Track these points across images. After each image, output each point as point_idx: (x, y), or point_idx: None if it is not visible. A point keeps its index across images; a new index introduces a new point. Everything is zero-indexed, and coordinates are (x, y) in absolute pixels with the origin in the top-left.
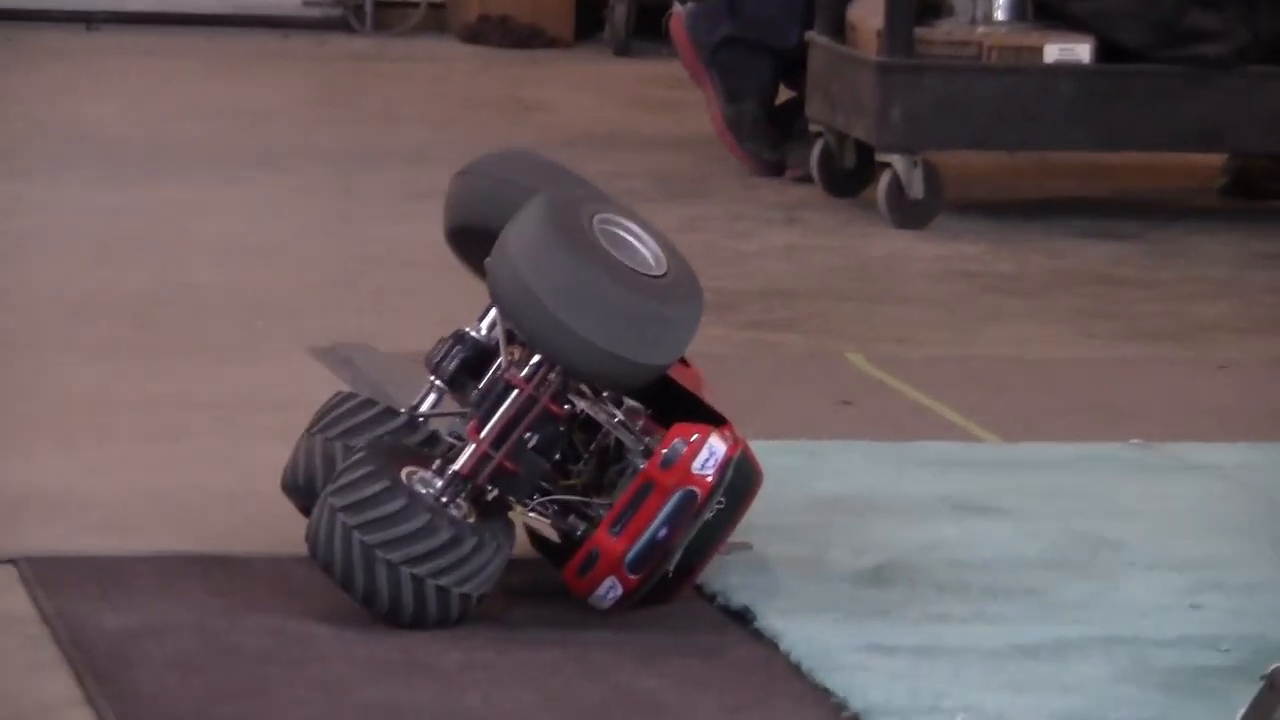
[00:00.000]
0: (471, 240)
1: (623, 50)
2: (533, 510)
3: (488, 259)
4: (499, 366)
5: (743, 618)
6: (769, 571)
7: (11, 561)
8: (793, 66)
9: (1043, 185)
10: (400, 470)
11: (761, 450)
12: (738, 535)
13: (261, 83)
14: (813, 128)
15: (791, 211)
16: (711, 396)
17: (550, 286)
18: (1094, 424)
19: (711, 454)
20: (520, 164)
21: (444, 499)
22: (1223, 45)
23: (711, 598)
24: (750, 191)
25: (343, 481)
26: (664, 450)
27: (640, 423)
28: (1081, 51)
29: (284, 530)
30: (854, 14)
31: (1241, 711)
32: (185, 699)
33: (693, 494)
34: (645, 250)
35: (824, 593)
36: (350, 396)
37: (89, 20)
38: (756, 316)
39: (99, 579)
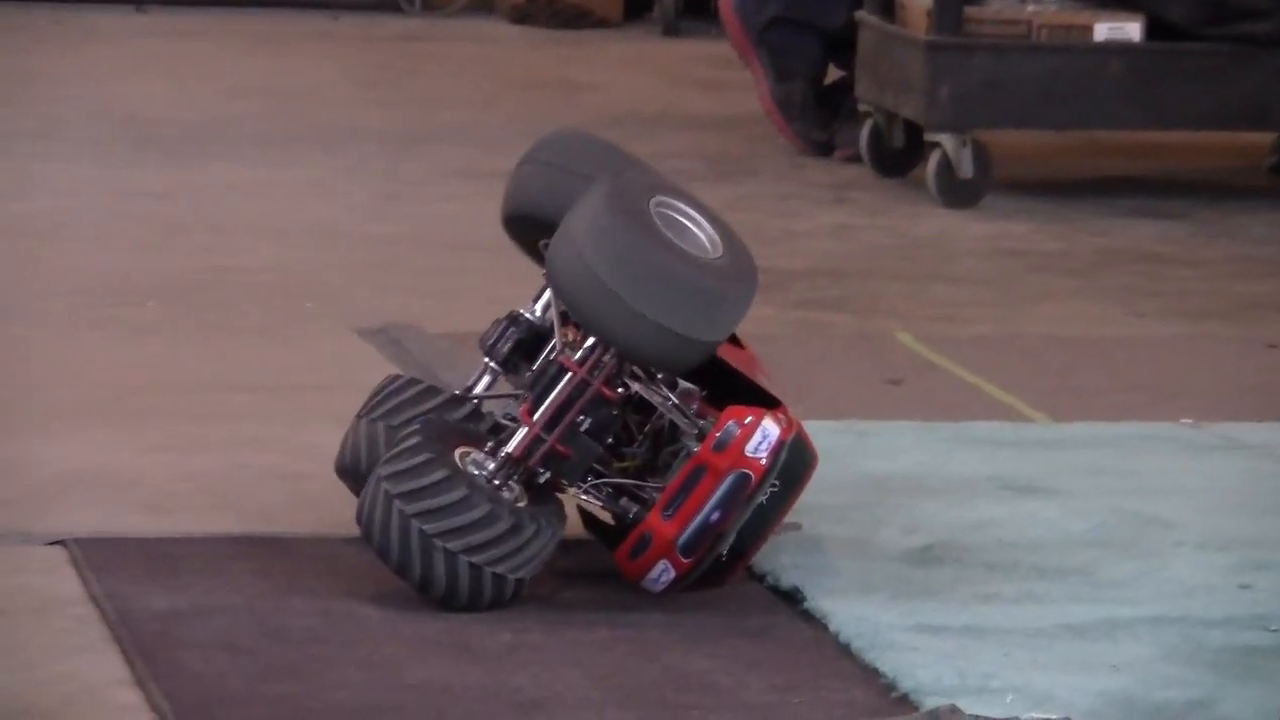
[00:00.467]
0: (527, 227)
1: (671, 30)
2: (585, 493)
3: (549, 241)
4: (553, 349)
5: (792, 598)
6: (818, 552)
7: (60, 542)
8: (841, 46)
9: (1091, 164)
10: (453, 451)
11: (810, 430)
12: (788, 516)
13: (310, 64)
14: (862, 107)
15: (840, 191)
16: (767, 378)
17: (606, 263)
18: (1142, 403)
19: (765, 437)
20: (578, 150)
21: (496, 481)
22: (1271, 23)
23: (761, 578)
24: (799, 171)
25: (399, 467)
26: (717, 433)
27: (694, 405)
28: (1131, 30)
29: (332, 511)
30: None
31: None
32: (233, 679)
33: (746, 477)
34: (700, 233)
35: (873, 573)
36: (403, 379)
37: (139, 1)
38: (805, 296)
39: (147, 560)
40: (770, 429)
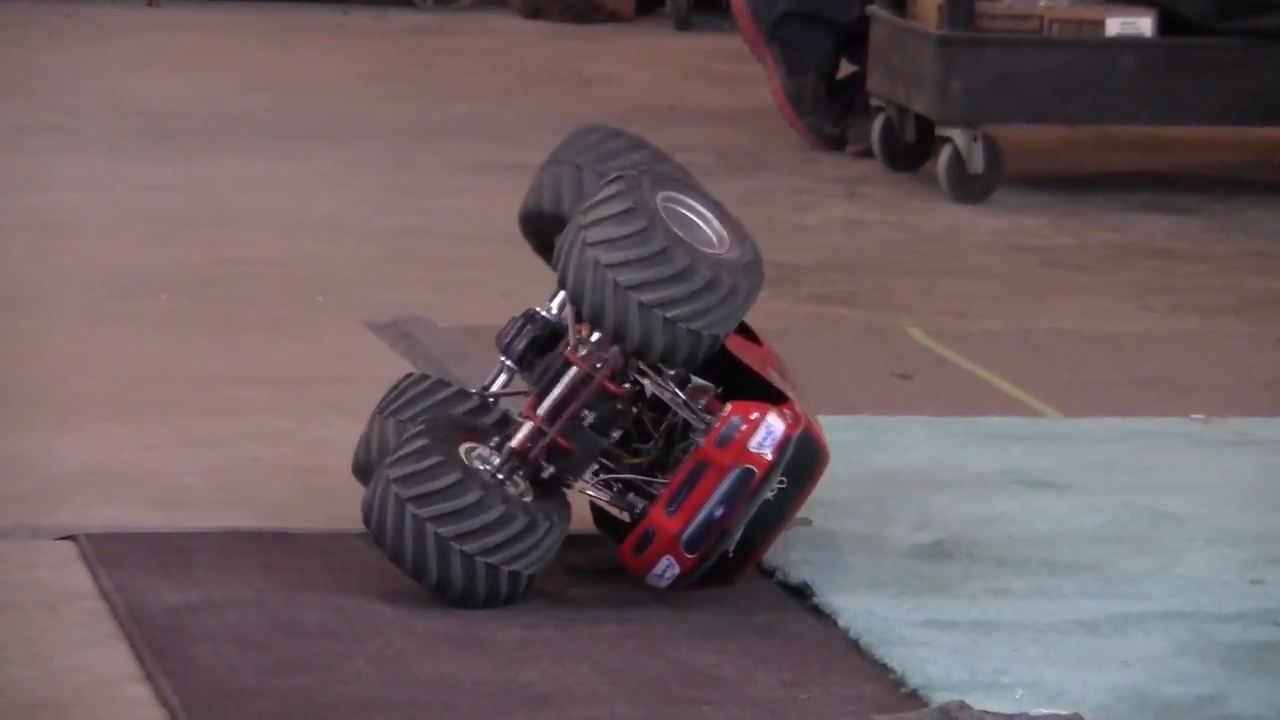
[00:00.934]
0: (543, 226)
1: (683, 24)
2: (591, 489)
3: (560, 235)
4: (564, 345)
5: (801, 593)
6: (828, 547)
7: (71, 537)
8: (853, 40)
9: (1103, 159)
10: (458, 446)
11: (820, 424)
12: (800, 513)
13: (322, 57)
14: (873, 102)
15: (852, 185)
16: (781, 373)
17: (614, 257)
18: (1153, 398)
19: (769, 432)
20: (601, 148)
21: (500, 476)
22: None
23: (770, 573)
24: (810, 165)
25: (408, 469)
26: (720, 428)
27: (703, 401)
28: (1143, 25)
29: (343, 505)
30: None
31: None
32: (243, 673)
33: (750, 472)
34: (708, 228)
35: (883, 568)
36: (420, 378)
37: None
38: (816, 290)
39: (158, 554)
40: (775, 424)
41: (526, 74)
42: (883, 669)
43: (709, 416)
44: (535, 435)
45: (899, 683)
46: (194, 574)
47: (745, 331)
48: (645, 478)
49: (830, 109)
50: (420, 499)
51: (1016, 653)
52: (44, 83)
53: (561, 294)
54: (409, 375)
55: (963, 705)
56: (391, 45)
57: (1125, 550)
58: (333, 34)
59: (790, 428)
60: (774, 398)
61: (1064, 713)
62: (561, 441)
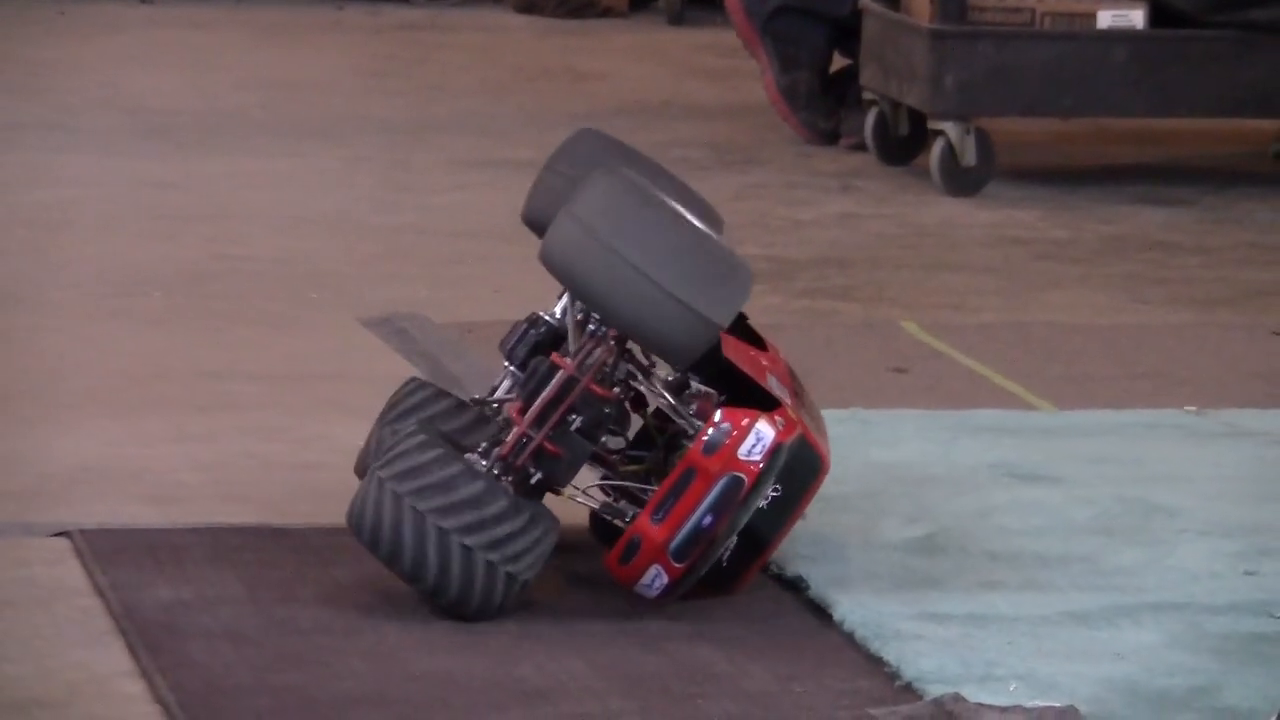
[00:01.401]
0: (537, 232)
1: (677, 19)
2: (581, 495)
3: (549, 228)
4: (563, 349)
5: (796, 587)
6: (822, 541)
7: (64, 534)
8: (847, 34)
9: (1096, 151)
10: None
11: (824, 432)
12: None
13: (316, 54)
14: (867, 96)
15: (846, 180)
16: (782, 378)
17: (623, 238)
18: (1147, 390)
19: (759, 439)
20: (596, 158)
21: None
22: (1276, 10)
23: (765, 568)
24: (805, 160)
25: (392, 454)
26: (706, 435)
27: (694, 406)
28: (1135, 17)
29: (338, 501)
30: None
31: None
32: (238, 670)
33: (739, 480)
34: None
35: (877, 561)
36: (422, 385)
37: None
38: (811, 284)
39: (152, 551)
40: (765, 431)
41: (521, 70)
42: (877, 662)
43: (699, 422)
44: (521, 440)
45: (893, 676)
46: (188, 570)
47: (750, 335)
48: (638, 485)
49: (824, 103)
50: (419, 492)
51: (1010, 645)
52: (39, 79)
53: (565, 298)
54: (410, 382)
55: (957, 698)
56: (386, 42)
57: (1118, 542)
58: (327, 31)
59: (781, 435)
60: (771, 404)
61: (1057, 704)
62: (548, 446)
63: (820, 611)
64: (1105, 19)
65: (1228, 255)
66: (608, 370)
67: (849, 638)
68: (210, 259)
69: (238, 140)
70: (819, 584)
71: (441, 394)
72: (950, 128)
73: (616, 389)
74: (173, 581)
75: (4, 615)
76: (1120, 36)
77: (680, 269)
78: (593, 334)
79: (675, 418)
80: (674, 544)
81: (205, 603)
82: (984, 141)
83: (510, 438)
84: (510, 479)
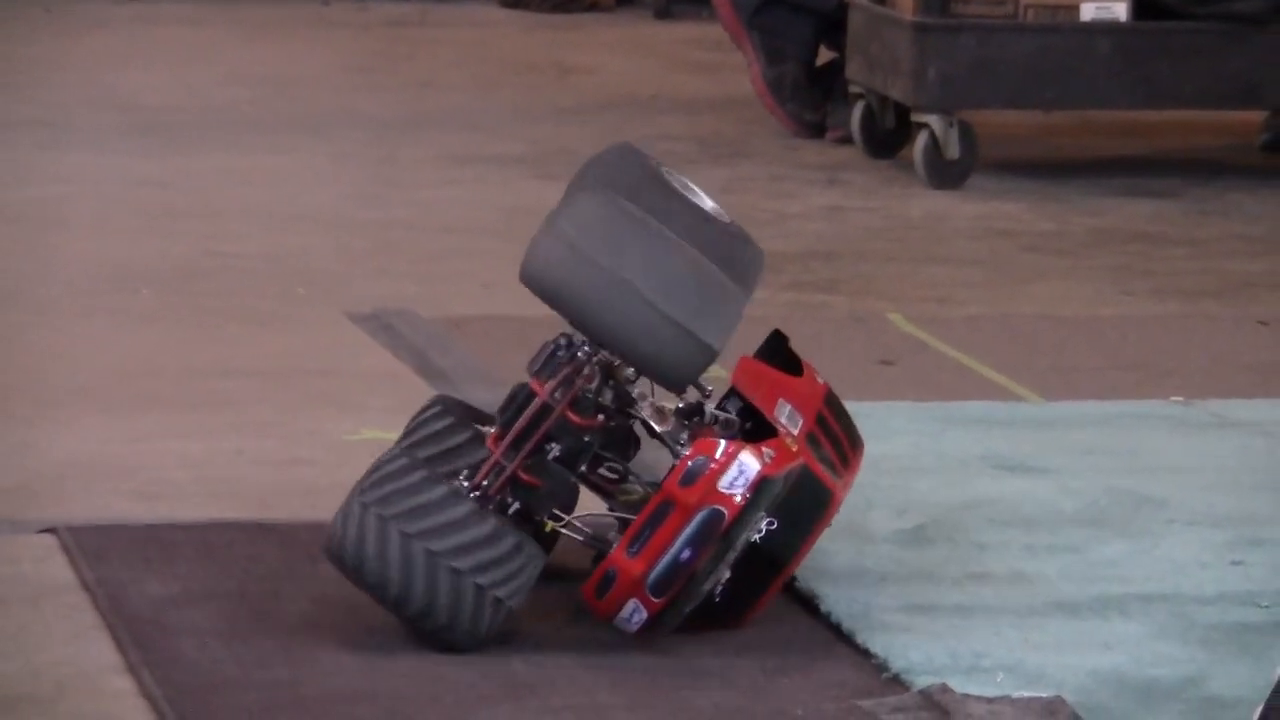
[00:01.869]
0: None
1: (663, 13)
2: (564, 526)
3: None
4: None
5: None
6: None
7: (52, 530)
8: (833, 27)
9: (1081, 144)
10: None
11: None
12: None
13: (304, 50)
14: (853, 89)
15: (832, 173)
16: (811, 405)
17: (619, 256)
18: (1134, 382)
19: (742, 471)
20: (611, 173)
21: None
22: (1259, 1)
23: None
24: (791, 153)
25: (372, 479)
26: (684, 466)
27: (685, 435)
28: (1118, 9)
29: (326, 497)
30: None
31: None
32: (227, 666)
33: (718, 514)
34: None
35: (864, 553)
36: (445, 412)
37: None
38: (798, 277)
39: (140, 546)
40: (748, 463)
41: (508, 65)
42: (864, 654)
43: (684, 451)
44: (495, 468)
45: (881, 667)
46: (177, 566)
47: (787, 359)
48: (622, 514)
49: (810, 96)
50: (405, 516)
51: (997, 636)
52: (25, 76)
53: None
54: (434, 404)
55: (944, 689)
56: (373, 37)
57: (1105, 533)
58: (314, 26)
59: (769, 468)
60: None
61: (1045, 695)
62: (523, 476)
63: (808, 603)
64: (1089, 11)
65: (1214, 247)
66: (589, 396)
67: (837, 630)
68: (200, 255)
69: (227, 137)
70: (806, 576)
71: (463, 422)
72: (934, 120)
73: (600, 416)
74: (161, 577)
75: None
76: (1104, 29)
77: (675, 291)
78: (570, 358)
79: (664, 445)
80: (651, 578)
81: (194, 598)
82: (967, 134)
83: (484, 467)
84: (490, 508)
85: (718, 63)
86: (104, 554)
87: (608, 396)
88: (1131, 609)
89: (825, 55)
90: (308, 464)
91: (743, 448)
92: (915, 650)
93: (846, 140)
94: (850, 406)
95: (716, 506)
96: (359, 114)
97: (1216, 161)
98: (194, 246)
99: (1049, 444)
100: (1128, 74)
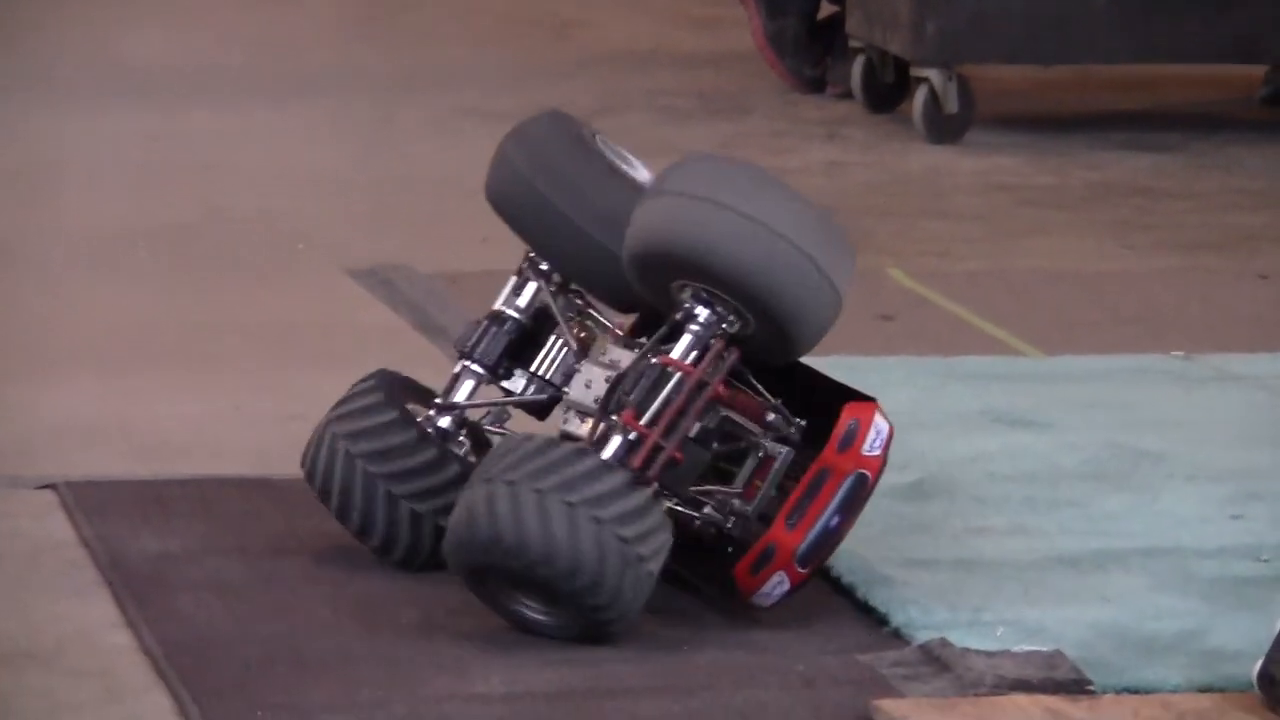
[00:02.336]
0: (510, 210)
1: None
2: (683, 504)
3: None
4: (555, 346)
5: None
6: None
7: (51, 486)
8: None
9: (1081, 98)
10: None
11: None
12: None
13: (299, 8)
14: (853, 43)
15: (832, 127)
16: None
17: (762, 207)
18: (1134, 336)
19: (878, 433)
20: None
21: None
22: None
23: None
24: (791, 108)
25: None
26: (840, 432)
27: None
28: None
29: None
30: None
31: None
32: (225, 621)
33: (864, 477)
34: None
35: (865, 508)
36: (377, 387)
37: None
38: None
39: (139, 503)
40: (881, 424)
41: (506, 20)
42: (865, 609)
43: (798, 420)
44: (654, 451)
45: (881, 622)
46: (175, 522)
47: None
48: (726, 490)
49: (810, 51)
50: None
51: (997, 590)
52: (21, 36)
53: (528, 292)
54: (370, 378)
55: (944, 643)
56: None
57: (1106, 487)
58: None
59: (891, 428)
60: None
61: (1044, 649)
62: (677, 455)
63: None
64: None
65: (1214, 200)
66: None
67: (836, 584)
68: (197, 213)
69: (223, 95)
70: None
71: (391, 401)
72: (933, 75)
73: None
74: (159, 533)
75: None
76: None
77: (813, 235)
78: (701, 333)
79: (780, 421)
80: (801, 548)
81: (192, 554)
82: (966, 88)
83: (643, 449)
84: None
85: (717, 18)
86: (103, 510)
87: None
88: (1132, 563)
89: (826, 10)
90: (306, 420)
91: (875, 410)
92: (915, 605)
93: (846, 95)
94: (850, 361)
95: (862, 470)
96: (356, 71)
97: (1216, 115)
98: (191, 204)
99: (1049, 398)
100: (1127, 28)
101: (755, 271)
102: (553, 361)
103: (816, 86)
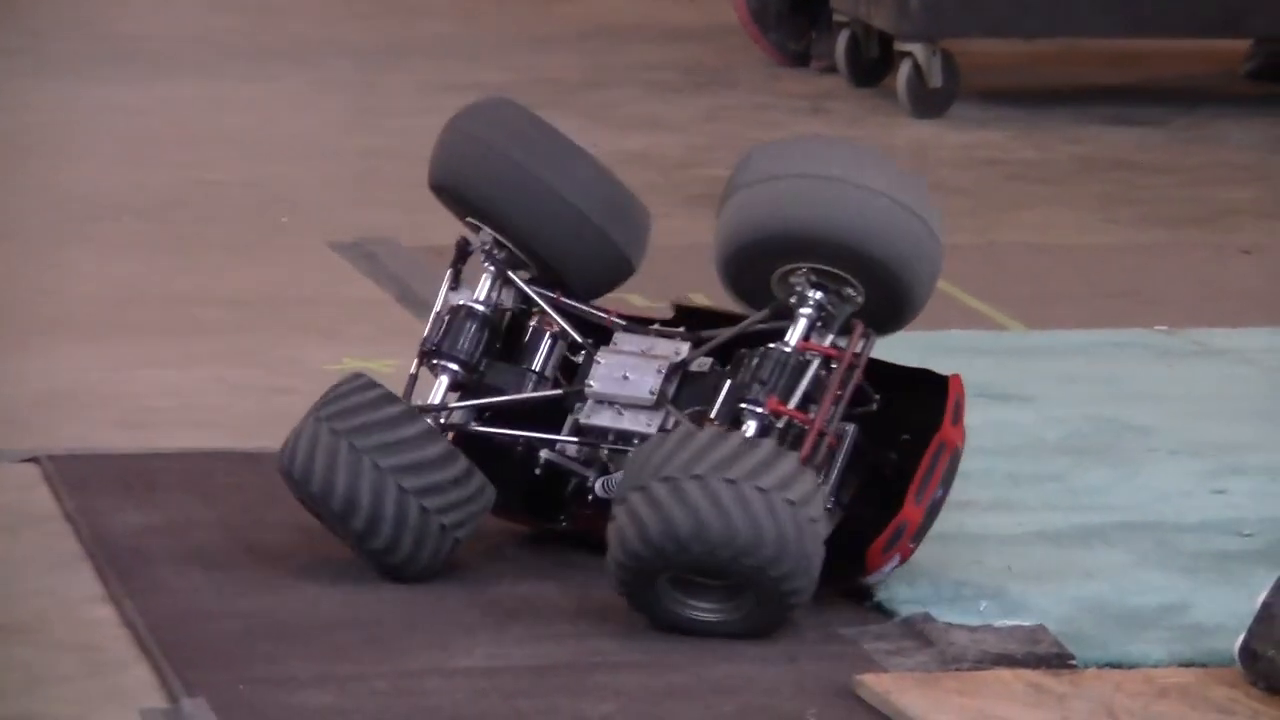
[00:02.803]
0: (448, 197)
1: None
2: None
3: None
4: (537, 329)
5: None
6: None
7: (34, 459)
8: None
9: (1066, 73)
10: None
11: None
12: None
13: None
14: (837, 17)
15: (816, 101)
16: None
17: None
18: (1117, 310)
19: (959, 405)
20: (504, 124)
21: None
22: None
23: None
24: (775, 82)
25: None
26: (953, 407)
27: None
28: None
29: None
30: None
31: (1263, 594)
32: (207, 594)
33: (958, 450)
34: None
35: None
36: (367, 386)
37: None
38: None
39: (121, 476)
40: (961, 397)
41: None
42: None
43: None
44: (820, 438)
45: (864, 597)
46: (158, 495)
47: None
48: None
49: (794, 25)
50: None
51: (979, 565)
52: (5, 4)
53: (484, 283)
54: (354, 378)
55: (927, 618)
56: None
57: (1088, 461)
58: None
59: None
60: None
61: (1027, 624)
62: (834, 442)
63: None
64: None
65: (1198, 175)
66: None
67: None
68: (181, 184)
69: (208, 65)
70: None
71: (383, 399)
72: (917, 49)
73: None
74: (142, 506)
75: None
76: None
77: (919, 195)
78: (814, 316)
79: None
80: (921, 524)
81: (175, 527)
82: (950, 62)
83: (809, 438)
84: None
85: None
86: (85, 483)
87: None
88: (1114, 537)
89: None
90: (289, 392)
91: (959, 381)
92: (897, 579)
93: (831, 69)
94: None
95: (958, 444)
96: (341, 42)
97: (1201, 90)
98: (175, 175)
99: (1032, 372)
100: (1111, 3)
101: (881, 241)
102: (547, 355)
103: (801, 61)
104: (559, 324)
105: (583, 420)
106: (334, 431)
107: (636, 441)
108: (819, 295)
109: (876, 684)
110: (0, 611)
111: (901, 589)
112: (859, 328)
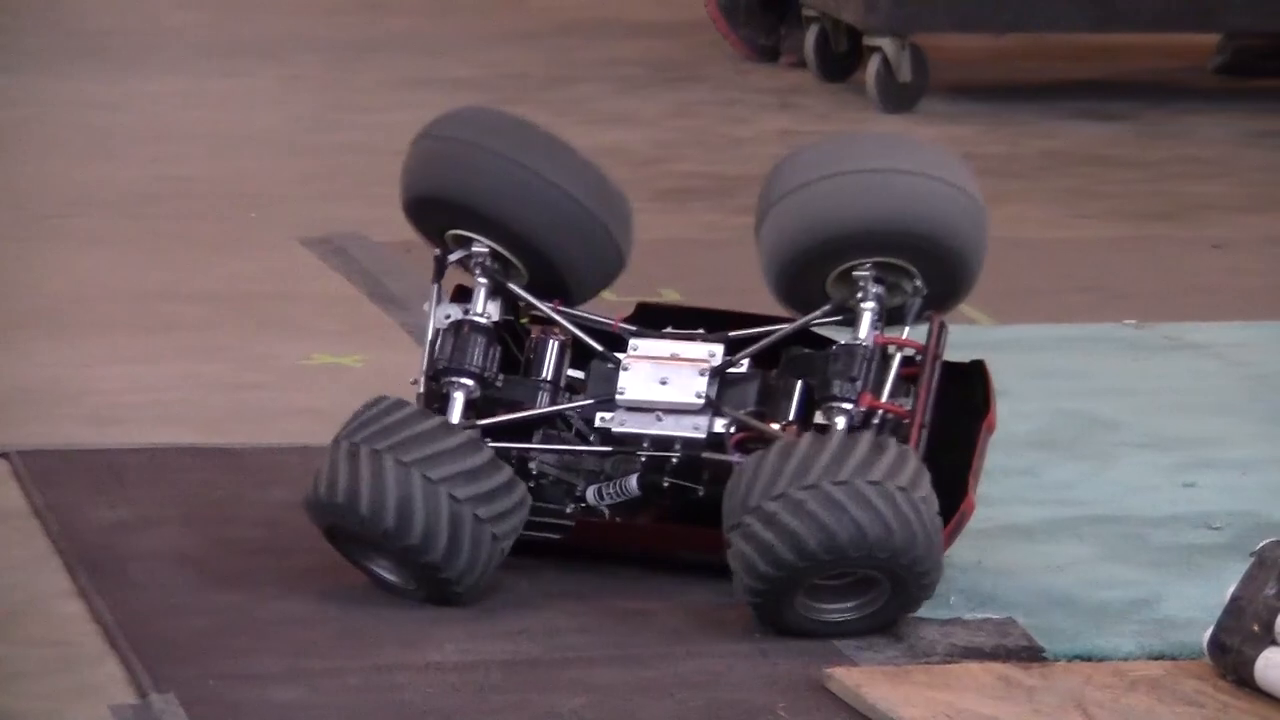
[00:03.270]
0: (433, 210)
1: None
2: None
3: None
4: (541, 339)
5: None
6: None
7: (3, 455)
8: None
9: (1034, 67)
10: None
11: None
12: None
13: None
14: (806, 12)
15: (785, 96)
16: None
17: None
18: (1086, 304)
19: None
20: (482, 124)
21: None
22: None
23: None
24: (744, 77)
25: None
26: (991, 393)
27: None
28: None
29: (278, 421)
30: None
31: (1232, 587)
32: (178, 590)
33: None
34: None
35: None
36: (396, 406)
37: None
38: (750, 201)
39: (91, 471)
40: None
41: None
42: None
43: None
44: (921, 430)
45: None
46: (128, 491)
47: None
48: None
49: (763, 19)
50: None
51: (949, 558)
52: None
53: (479, 295)
54: (381, 400)
55: None
56: None
57: (1058, 455)
58: None
59: None
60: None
61: (996, 617)
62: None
63: None
64: None
65: (1167, 169)
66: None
67: None
68: (150, 179)
69: (177, 60)
70: None
71: (417, 415)
72: (886, 44)
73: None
74: (112, 502)
75: None
76: None
77: (969, 177)
78: (879, 309)
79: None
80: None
81: (145, 523)
82: (919, 57)
83: (913, 434)
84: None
85: None
86: (55, 478)
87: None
88: (1084, 531)
89: None
90: (260, 388)
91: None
92: None
93: (799, 64)
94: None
95: (995, 426)
96: (310, 37)
97: (1170, 84)
98: (144, 170)
99: (1001, 366)
100: None
101: (953, 231)
102: (557, 364)
103: (770, 55)
104: (571, 332)
105: (616, 429)
106: (375, 451)
107: (678, 447)
108: (880, 289)
109: (846, 677)
110: None
111: None
112: (936, 319)
